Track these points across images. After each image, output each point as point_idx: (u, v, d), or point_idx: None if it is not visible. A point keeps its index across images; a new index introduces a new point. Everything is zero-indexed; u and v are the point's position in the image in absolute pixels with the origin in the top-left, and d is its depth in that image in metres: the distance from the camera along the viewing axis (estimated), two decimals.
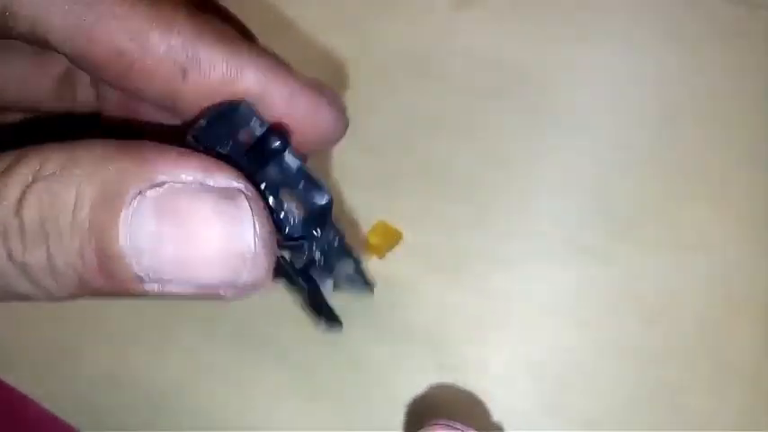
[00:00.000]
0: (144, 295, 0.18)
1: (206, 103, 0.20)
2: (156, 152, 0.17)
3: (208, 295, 0.18)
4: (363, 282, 0.21)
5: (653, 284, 0.39)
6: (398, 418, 0.39)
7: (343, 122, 0.23)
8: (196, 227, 0.17)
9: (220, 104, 0.20)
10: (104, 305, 0.42)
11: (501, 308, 0.40)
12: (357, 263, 0.21)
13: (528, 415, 0.38)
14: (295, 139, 0.21)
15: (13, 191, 0.17)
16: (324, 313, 0.21)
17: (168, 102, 0.21)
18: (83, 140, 0.18)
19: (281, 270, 0.20)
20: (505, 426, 0.38)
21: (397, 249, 0.41)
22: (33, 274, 0.17)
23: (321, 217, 0.20)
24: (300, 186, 0.20)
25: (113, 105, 0.25)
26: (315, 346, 0.40)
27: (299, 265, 0.20)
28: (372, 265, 0.41)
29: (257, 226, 0.17)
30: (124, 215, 0.16)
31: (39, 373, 0.41)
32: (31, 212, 0.17)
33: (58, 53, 0.20)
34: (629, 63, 0.44)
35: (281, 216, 0.19)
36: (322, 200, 0.20)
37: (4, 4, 0.19)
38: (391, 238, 0.42)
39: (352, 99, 0.46)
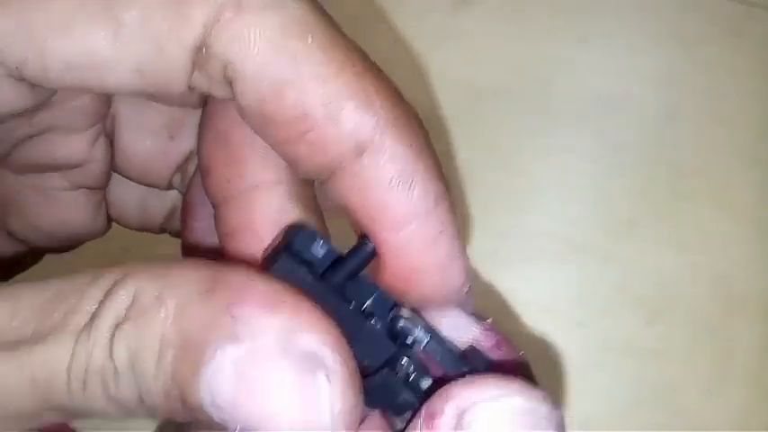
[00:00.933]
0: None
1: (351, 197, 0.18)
2: (243, 289, 0.16)
3: None
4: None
5: (653, 284, 0.39)
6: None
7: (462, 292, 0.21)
8: (272, 396, 0.16)
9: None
10: None
11: (499, 308, 0.40)
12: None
13: None
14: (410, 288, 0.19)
15: (106, 331, 0.16)
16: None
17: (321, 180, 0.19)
18: (177, 265, 0.17)
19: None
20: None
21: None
22: (125, 406, 0.17)
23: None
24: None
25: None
26: None
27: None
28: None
29: (337, 403, 0.16)
30: (204, 373, 0.16)
31: None
32: (121, 353, 0.16)
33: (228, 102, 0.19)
34: (628, 63, 0.44)
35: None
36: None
37: (203, 38, 0.17)
38: None
39: None
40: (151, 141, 0.24)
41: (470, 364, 0.18)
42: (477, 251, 0.42)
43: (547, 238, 0.41)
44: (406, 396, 0.17)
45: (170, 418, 0.18)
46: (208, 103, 0.22)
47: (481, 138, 0.43)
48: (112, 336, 0.16)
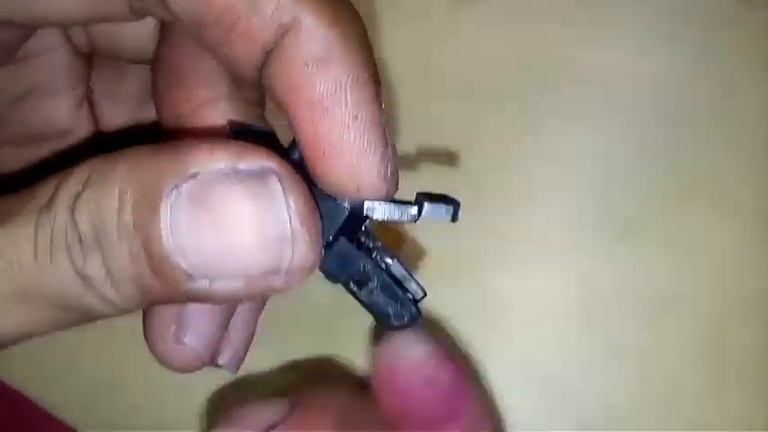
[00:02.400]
0: (202, 297, 0.18)
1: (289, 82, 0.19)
2: (189, 146, 0.17)
3: (260, 289, 0.18)
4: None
5: (654, 285, 0.39)
6: None
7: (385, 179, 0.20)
8: (228, 213, 0.17)
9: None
10: None
11: (501, 309, 0.40)
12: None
13: (528, 415, 0.38)
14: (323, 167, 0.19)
15: (66, 204, 0.17)
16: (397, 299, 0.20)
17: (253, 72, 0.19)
18: (124, 149, 0.18)
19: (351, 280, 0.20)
20: (505, 426, 0.38)
21: (396, 251, 0.41)
22: (96, 285, 0.17)
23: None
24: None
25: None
26: (316, 350, 0.40)
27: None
28: None
29: (292, 204, 0.17)
30: (163, 212, 0.16)
31: (39, 374, 0.41)
32: (84, 223, 0.17)
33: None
34: (630, 61, 0.44)
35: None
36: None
37: None
38: (390, 239, 0.41)
39: None
40: (127, 108, 0.26)
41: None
42: (475, 251, 0.42)
43: (546, 238, 0.41)
44: (365, 264, 0.19)
45: (141, 303, 0.18)
46: (160, 42, 0.23)
47: (481, 138, 0.43)
48: (73, 203, 0.17)
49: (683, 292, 0.39)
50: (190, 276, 0.17)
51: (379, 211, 0.20)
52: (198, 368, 0.25)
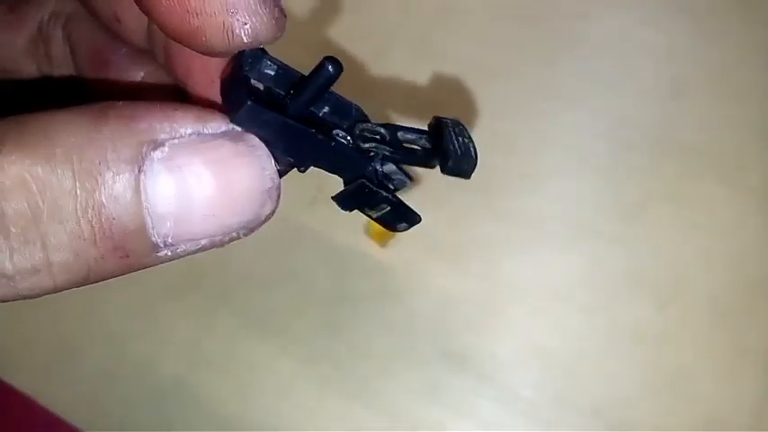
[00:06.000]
0: (150, 266, 0.17)
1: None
2: (146, 110, 0.16)
3: (222, 243, 0.17)
4: (405, 175, 0.21)
5: (665, 268, 0.38)
6: (404, 407, 0.38)
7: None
8: (226, 173, 0.16)
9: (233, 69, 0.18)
10: (104, 304, 0.41)
11: (508, 294, 0.39)
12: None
13: (536, 402, 0.37)
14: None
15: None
16: (402, 213, 0.20)
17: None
18: (65, 109, 0.16)
19: (355, 194, 0.20)
20: (513, 412, 0.37)
21: (400, 236, 0.40)
22: (21, 279, 0.15)
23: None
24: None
25: (88, 62, 0.23)
26: (317, 338, 0.40)
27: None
28: (374, 252, 0.40)
29: (270, 160, 0.17)
30: (142, 182, 0.15)
31: (39, 373, 0.40)
32: (15, 205, 0.14)
33: None
34: (637, 37, 0.43)
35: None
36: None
37: None
38: (382, 237, 0.41)
39: (351, 82, 0.45)
40: (85, 57, 0.23)
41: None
42: (482, 236, 0.41)
43: (554, 221, 0.40)
44: (381, 196, 0.19)
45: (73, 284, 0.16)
46: None
47: (485, 119, 0.42)
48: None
49: (698, 274, 0.38)
50: (155, 247, 0.16)
51: (397, 156, 0.20)
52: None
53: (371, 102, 0.42)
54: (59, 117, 0.15)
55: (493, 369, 0.38)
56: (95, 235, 0.15)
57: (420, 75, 0.43)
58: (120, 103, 0.16)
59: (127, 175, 0.15)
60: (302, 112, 0.18)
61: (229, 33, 0.17)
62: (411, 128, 0.20)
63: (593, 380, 0.37)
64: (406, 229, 0.21)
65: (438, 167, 0.20)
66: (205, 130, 0.16)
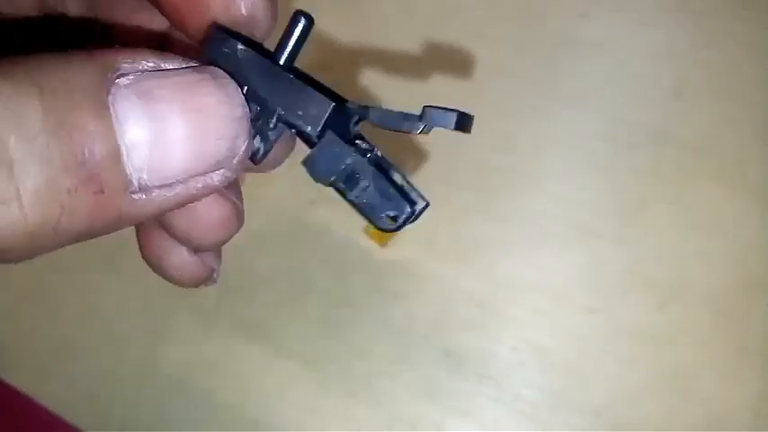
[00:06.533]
0: (126, 216, 0.15)
1: None
2: (110, 48, 0.16)
3: (196, 191, 0.17)
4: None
5: (665, 267, 0.38)
6: (404, 407, 0.38)
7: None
8: (194, 99, 0.16)
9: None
10: (104, 304, 0.41)
11: (508, 294, 0.39)
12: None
13: (535, 402, 0.37)
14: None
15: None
16: (386, 195, 0.18)
17: None
18: (35, 54, 0.15)
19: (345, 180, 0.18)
20: (513, 412, 0.37)
21: (400, 236, 0.40)
22: None
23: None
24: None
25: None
26: (317, 338, 0.40)
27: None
28: (374, 252, 0.40)
29: (237, 90, 0.17)
30: (111, 105, 0.15)
31: (39, 373, 0.40)
32: None
33: None
34: (637, 37, 0.43)
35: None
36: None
37: None
38: (380, 238, 0.41)
39: (351, 81, 0.45)
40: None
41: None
42: (482, 236, 0.41)
43: (554, 221, 0.40)
44: (355, 160, 0.18)
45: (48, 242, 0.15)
46: None
47: (486, 119, 0.42)
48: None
49: (698, 274, 0.38)
50: (129, 185, 0.15)
51: (375, 114, 0.18)
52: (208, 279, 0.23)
53: (371, 101, 0.42)
54: (38, 55, 0.15)
55: (493, 369, 0.38)
56: (66, 160, 0.14)
57: (420, 74, 0.43)
58: (85, 49, 0.16)
59: (95, 98, 0.15)
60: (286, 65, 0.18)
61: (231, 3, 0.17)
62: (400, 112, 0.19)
63: (593, 380, 0.37)
64: (395, 226, 0.18)
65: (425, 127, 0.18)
66: (166, 65, 0.16)
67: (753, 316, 0.37)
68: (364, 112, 0.18)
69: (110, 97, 0.15)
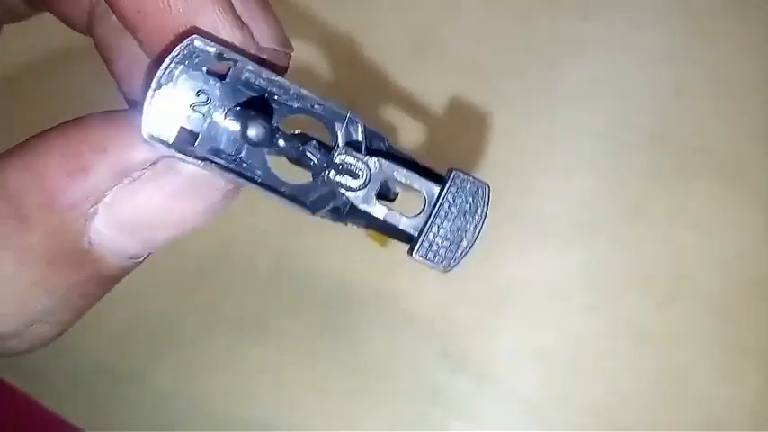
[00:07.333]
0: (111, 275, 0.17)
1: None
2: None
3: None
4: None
5: (665, 267, 0.38)
6: (402, 407, 0.38)
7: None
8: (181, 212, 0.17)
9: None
10: (104, 304, 0.41)
11: (508, 294, 0.39)
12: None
13: (535, 402, 0.37)
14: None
15: None
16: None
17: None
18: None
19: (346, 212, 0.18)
20: (513, 412, 0.37)
21: None
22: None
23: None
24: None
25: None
26: (316, 338, 0.40)
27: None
28: (374, 253, 0.40)
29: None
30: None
31: (39, 373, 0.40)
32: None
33: None
34: (637, 37, 0.43)
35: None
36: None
37: None
38: (378, 239, 0.41)
39: (351, 79, 0.45)
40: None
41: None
42: (482, 235, 0.41)
43: (554, 220, 0.40)
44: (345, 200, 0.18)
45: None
46: None
47: (484, 118, 0.42)
48: None
49: (697, 274, 0.38)
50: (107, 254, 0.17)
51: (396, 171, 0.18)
52: None
53: (371, 101, 0.42)
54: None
55: (493, 369, 0.38)
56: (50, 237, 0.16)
57: (420, 74, 0.43)
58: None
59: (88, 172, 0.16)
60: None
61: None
62: (411, 163, 0.18)
63: (593, 380, 0.37)
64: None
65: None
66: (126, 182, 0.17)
67: (752, 316, 0.37)
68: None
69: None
